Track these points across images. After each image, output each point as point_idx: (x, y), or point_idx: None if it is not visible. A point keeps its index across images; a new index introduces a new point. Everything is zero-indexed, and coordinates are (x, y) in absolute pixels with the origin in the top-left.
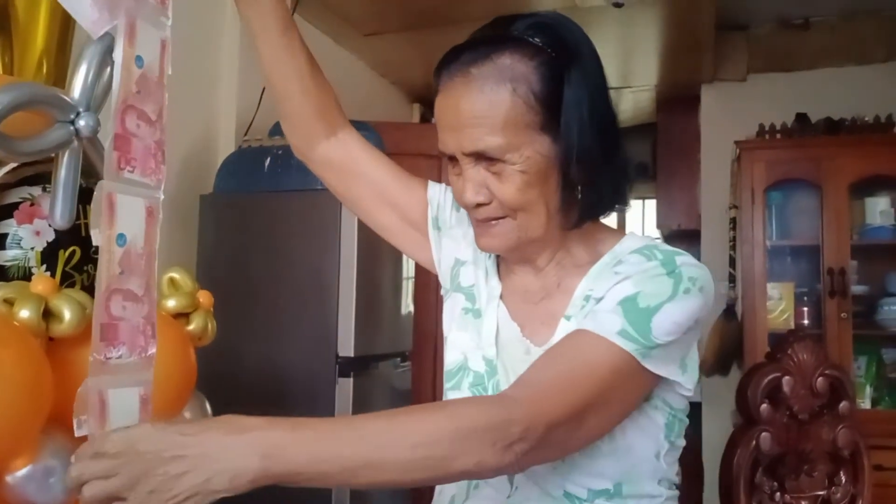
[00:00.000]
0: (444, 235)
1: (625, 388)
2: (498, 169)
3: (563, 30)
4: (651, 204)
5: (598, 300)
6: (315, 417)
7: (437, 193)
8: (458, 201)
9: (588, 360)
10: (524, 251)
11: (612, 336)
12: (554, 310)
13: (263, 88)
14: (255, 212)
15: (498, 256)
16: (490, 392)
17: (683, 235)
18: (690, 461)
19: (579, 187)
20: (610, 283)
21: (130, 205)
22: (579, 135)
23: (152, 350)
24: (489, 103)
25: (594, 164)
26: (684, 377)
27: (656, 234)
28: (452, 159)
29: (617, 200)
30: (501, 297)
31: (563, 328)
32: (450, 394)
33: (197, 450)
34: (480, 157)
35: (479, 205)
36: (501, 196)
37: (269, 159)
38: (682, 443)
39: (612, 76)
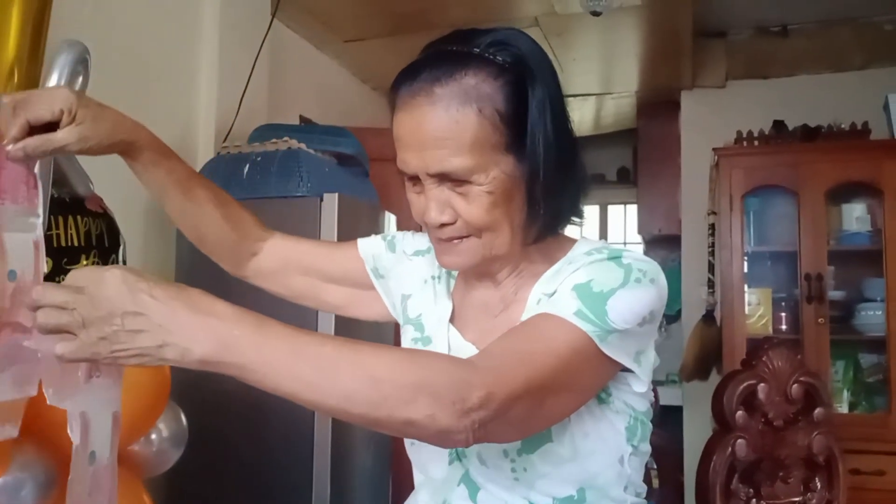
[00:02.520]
0: (389, 279)
1: (583, 371)
2: (464, 190)
3: (523, 47)
4: (633, 209)
5: (552, 294)
6: (282, 323)
7: (368, 246)
8: (419, 220)
9: (547, 338)
10: (487, 267)
11: (569, 316)
12: (512, 319)
13: (243, 94)
14: None
15: (451, 277)
16: None
17: (664, 240)
18: (670, 466)
19: (542, 204)
20: (561, 277)
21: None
22: (545, 153)
23: None
24: (456, 124)
25: (557, 180)
26: (639, 370)
27: (637, 238)
28: (413, 178)
29: (574, 213)
30: (452, 319)
31: None
32: None
33: (159, 316)
34: (445, 177)
35: (443, 224)
36: (468, 217)
37: (247, 166)
38: (647, 448)
39: (593, 82)
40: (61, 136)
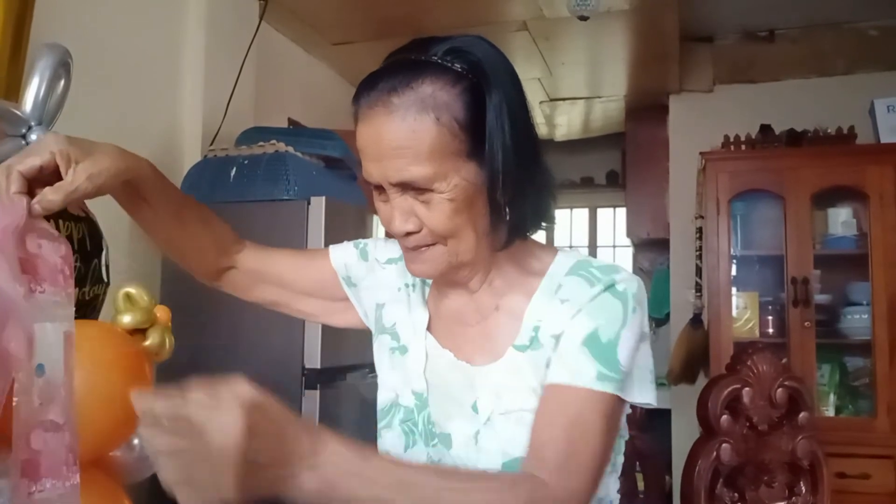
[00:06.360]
0: (361, 289)
1: (615, 425)
2: (426, 198)
3: (481, 53)
4: (621, 212)
5: (557, 338)
6: (378, 456)
7: (340, 255)
8: (386, 228)
9: (584, 421)
10: (455, 275)
11: (592, 384)
12: (494, 333)
13: (230, 97)
14: None
15: (426, 285)
16: (420, 425)
17: (653, 244)
18: (656, 470)
19: (506, 209)
20: (560, 314)
21: None
22: (504, 159)
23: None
24: (413, 133)
25: (519, 185)
26: (650, 386)
27: (626, 242)
28: (378, 187)
29: (542, 217)
30: (429, 327)
31: (513, 358)
32: (383, 432)
33: (281, 457)
34: (407, 186)
35: (408, 233)
36: (431, 224)
37: (234, 169)
38: (621, 460)
39: (582, 86)
40: (70, 179)
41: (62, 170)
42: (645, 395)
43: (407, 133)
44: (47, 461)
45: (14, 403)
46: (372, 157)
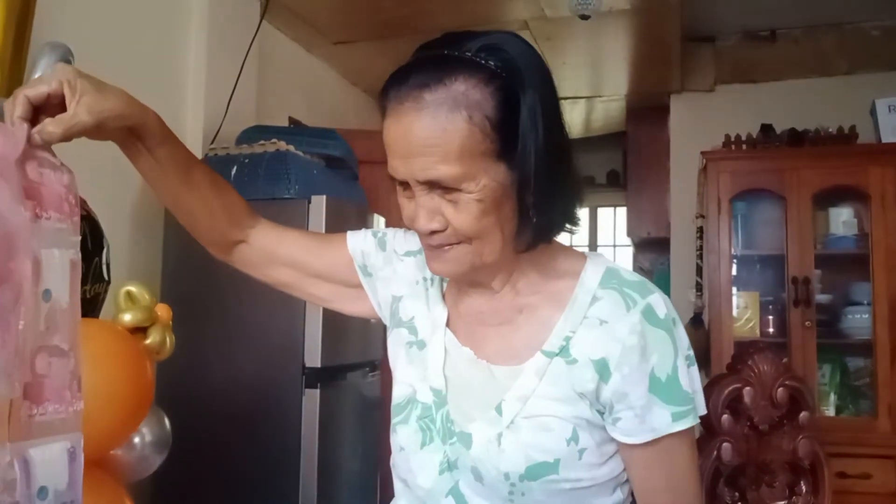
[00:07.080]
0: (377, 279)
1: (695, 446)
2: (454, 197)
3: (515, 51)
4: (622, 212)
5: (599, 367)
6: None
7: (358, 242)
8: (409, 226)
9: (679, 465)
10: (477, 275)
11: (672, 429)
12: (518, 336)
13: (231, 96)
14: None
15: (444, 281)
16: (437, 423)
17: (653, 243)
18: None
19: (533, 211)
20: (600, 339)
21: (48, 451)
22: (536, 162)
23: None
24: (443, 131)
25: (549, 188)
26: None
27: (627, 241)
28: (403, 183)
29: (567, 221)
30: (448, 323)
31: (540, 363)
32: (398, 428)
33: None
34: (434, 185)
35: (432, 231)
36: (457, 224)
37: (235, 168)
38: None
39: (583, 86)
40: (72, 111)
41: (67, 99)
42: (704, 404)
43: (437, 131)
44: (51, 385)
45: (20, 327)
46: (399, 154)
